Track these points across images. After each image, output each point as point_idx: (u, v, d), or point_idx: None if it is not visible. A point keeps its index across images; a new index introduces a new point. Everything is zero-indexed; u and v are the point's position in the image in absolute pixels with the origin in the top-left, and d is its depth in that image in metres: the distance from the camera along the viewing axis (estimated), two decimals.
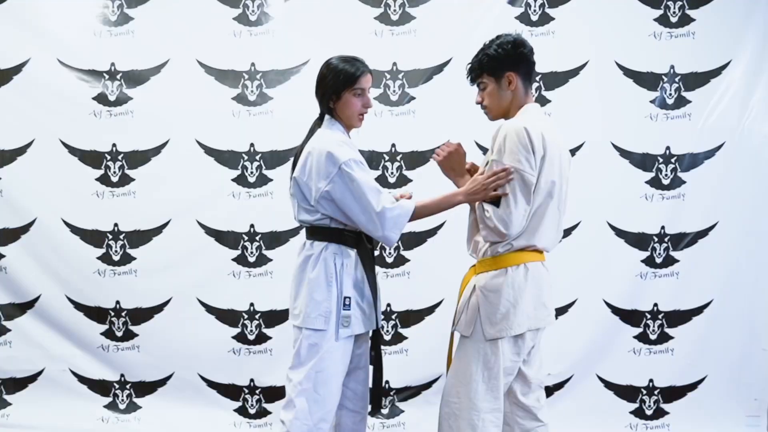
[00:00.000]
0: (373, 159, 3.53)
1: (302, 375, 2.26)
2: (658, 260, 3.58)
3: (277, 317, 3.57)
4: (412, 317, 3.61)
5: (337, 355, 2.28)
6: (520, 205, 2.09)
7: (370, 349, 2.45)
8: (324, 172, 2.21)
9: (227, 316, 3.59)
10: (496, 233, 2.12)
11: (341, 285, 2.28)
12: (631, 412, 3.60)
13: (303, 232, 2.42)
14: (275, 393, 3.57)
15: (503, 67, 2.21)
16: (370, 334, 2.45)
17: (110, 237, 3.58)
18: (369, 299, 2.34)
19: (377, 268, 3.49)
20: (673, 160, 3.57)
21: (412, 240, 3.59)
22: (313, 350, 2.26)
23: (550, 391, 3.51)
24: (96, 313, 3.58)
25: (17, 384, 3.60)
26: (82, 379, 3.60)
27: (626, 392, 3.61)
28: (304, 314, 2.27)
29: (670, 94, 3.56)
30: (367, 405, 2.48)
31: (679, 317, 3.59)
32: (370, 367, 2.48)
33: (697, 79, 3.56)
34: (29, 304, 3.58)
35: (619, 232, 3.59)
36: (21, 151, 3.56)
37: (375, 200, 2.20)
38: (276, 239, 3.59)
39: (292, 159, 2.43)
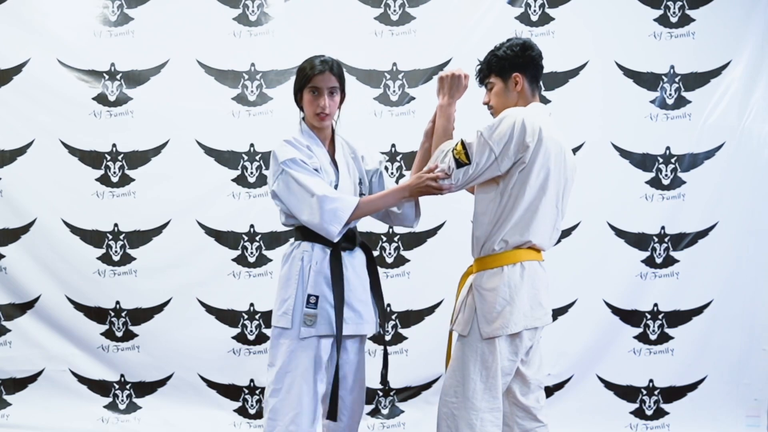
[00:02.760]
0: None
1: (273, 375, 2.24)
2: (658, 260, 3.58)
3: None
4: (412, 317, 3.61)
5: (303, 354, 2.23)
6: (469, 176, 2.14)
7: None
8: (272, 171, 2.28)
9: (227, 316, 3.60)
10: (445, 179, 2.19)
11: (306, 283, 2.24)
12: (631, 412, 3.60)
13: None
14: None
15: (511, 69, 2.25)
16: (365, 339, 2.42)
17: (110, 237, 3.58)
18: (348, 300, 2.27)
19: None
20: (673, 160, 3.57)
21: (412, 240, 3.59)
22: (280, 349, 2.24)
23: (550, 391, 3.51)
24: (96, 313, 3.58)
25: (17, 384, 3.60)
26: (82, 380, 3.60)
27: (626, 392, 3.61)
28: (273, 312, 2.29)
29: (670, 94, 3.56)
30: (356, 416, 2.43)
31: (679, 317, 3.59)
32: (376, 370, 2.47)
33: (697, 79, 3.56)
34: (29, 304, 3.58)
35: (619, 232, 3.59)
36: (21, 151, 3.56)
37: (312, 192, 2.17)
38: (276, 239, 3.59)
39: None
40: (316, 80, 2.28)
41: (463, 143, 2.16)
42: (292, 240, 2.36)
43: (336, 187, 2.30)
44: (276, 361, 2.25)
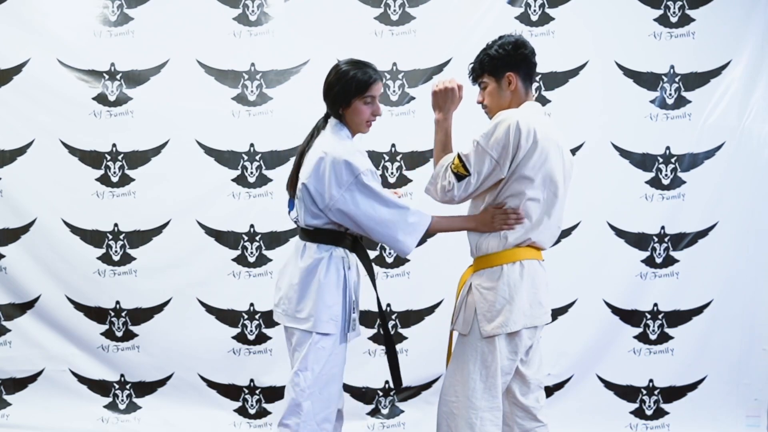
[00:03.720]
0: (373, 159, 3.49)
1: (310, 379, 2.26)
2: (658, 260, 3.58)
3: None
4: (412, 317, 3.61)
5: (340, 357, 2.32)
6: (473, 186, 2.18)
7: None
8: (339, 180, 2.19)
9: (227, 316, 3.60)
10: (442, 198, 2.25)
11: (350, 289, 2.31)
12: (631, 412, 3.61)
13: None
14: (275, 393, 3.57)
15: (504, 68, 2.23)
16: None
17: (110, 237, 3.58)
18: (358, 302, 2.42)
19: (377, 269, 3.53)
20: (673, 160, 3.57)
21: None
22: (321, 354, 2.27)
23: (550, 391, 3.52)
24: (96, 313, 3.58)
25: (17, 384, 3.60)
26: (82, 379, 3.60)
27: (626, 392, 3.61)
28: (315, 318, 2.26)
29: (670, 94, 3.56)
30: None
31: (679, 317, 3.59)
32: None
33: (697, 79, 3.56)
34: (29, 304, 3.58)
35: (619, 232, 3.59)
36: (21, 151, 3.56)
37: (396, 204, 2.21)
38: (276, 239, 3.59)
39: (294, 159, 2.42)
40: (373, 89, 2.29)
41: (459, 157, 2.17)
42: (311, 244, 2.31)
43: None
44: (314, 365, 2.27)
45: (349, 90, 2.27)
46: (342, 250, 2.31)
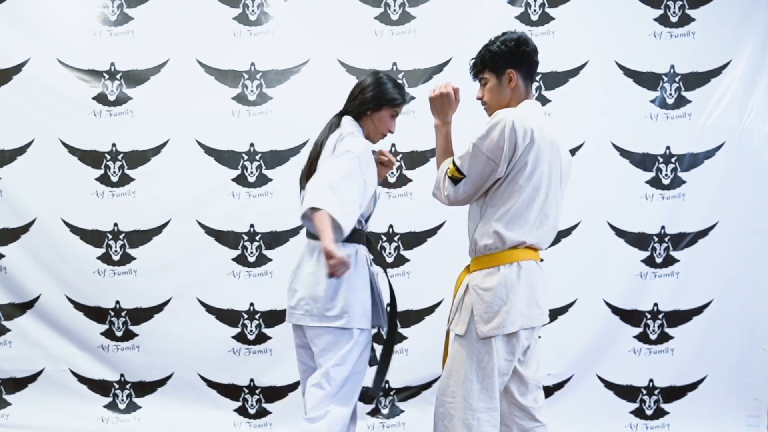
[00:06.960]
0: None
1: (345, 372, 2.31)
2: (658, 260, 3.58)
3: (277, 317, 3.57)
4: (412, 317, 3.60)
5: (366, 350, 2.39)
6: (470, 188, 2.17)
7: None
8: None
9: (227, 316, 3.59)
10: (445, 202, 2.25)
11: (376, 285, 2.42)
12: (631, 412, 3.61)
13: (303, 232, 2.42)
14: (275, 393, 3.57)
15: (505, 64, 2.22)
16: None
17: (110, 237, 3.58)
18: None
19: (377, 268, 3.53)
20: (673, 160, 3.57)
21: (412, 240, 3.59)
22: (356, 349, 2.32)
23: (550, 391, 3.51)
24: (96, 313, 3.58)
25: (17, 384, 3.60)
26: (82, 379, 3.60)
27: (626, 392, 3.61)
28: (350, 315, 2.30)
29: (670, 94, 3.57)
30: None
31: (679, 317, 3.59)
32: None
33: (697, 79, 3.56)
34: (29, 304, 3.58)
35: (619, 232, 3.59)
36: (21, 151, 3.56)
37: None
38: (276, 239, 3.59)
39: (309, 153, 2.43)
40: (401, 108, 2.46)
41: (454, 162, 2.17)
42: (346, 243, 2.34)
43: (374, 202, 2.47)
44: (349, 360, 2.32)
45: (384, 97, 2.39)
46: (363, 247, 2.39)
